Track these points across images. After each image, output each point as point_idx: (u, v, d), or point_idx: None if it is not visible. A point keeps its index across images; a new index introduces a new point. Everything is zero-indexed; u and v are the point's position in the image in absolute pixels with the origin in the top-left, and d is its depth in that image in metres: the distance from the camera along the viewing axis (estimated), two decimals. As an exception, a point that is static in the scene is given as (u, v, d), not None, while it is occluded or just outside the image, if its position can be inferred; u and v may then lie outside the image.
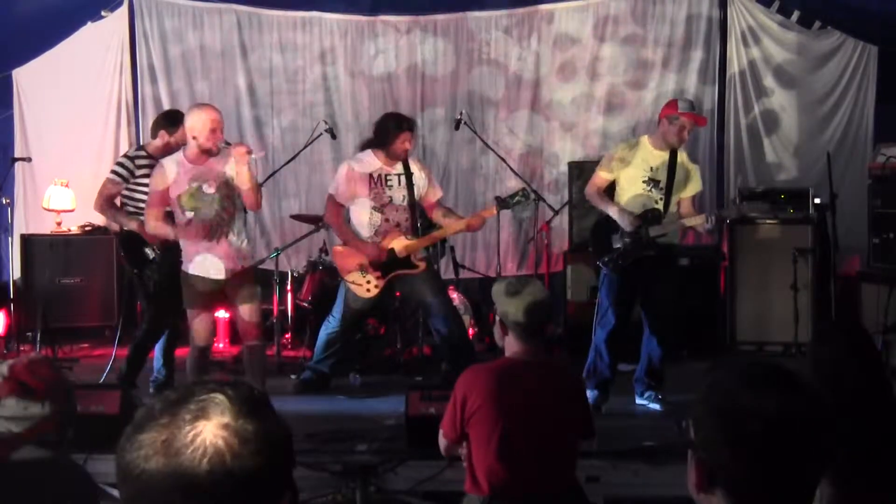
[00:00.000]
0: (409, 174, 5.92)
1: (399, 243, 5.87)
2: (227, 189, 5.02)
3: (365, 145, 6.07)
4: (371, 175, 5.85)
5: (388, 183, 5.88)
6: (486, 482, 3.13)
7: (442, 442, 3.31)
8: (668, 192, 5.43)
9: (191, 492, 1.16)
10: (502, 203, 5.95)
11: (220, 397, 1.22)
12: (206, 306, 5.17)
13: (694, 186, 5.57)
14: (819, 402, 1.49)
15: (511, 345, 3.27)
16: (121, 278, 7.88)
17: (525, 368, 3.22)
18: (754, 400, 1.45)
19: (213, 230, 5.03)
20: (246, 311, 5.15)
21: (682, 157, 5.51)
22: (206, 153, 4.98)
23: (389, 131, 5.85)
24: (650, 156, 5.46)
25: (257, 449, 1.20)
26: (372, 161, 5.89)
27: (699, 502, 1.52)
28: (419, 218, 5.99)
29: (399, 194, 5.90)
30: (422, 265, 5.92)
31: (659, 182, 5.43)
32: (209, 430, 1.18)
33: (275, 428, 1.24)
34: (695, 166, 5.64)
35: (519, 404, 3.13)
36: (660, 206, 5.42)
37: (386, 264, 5.86)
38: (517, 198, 5.91)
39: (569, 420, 3.23)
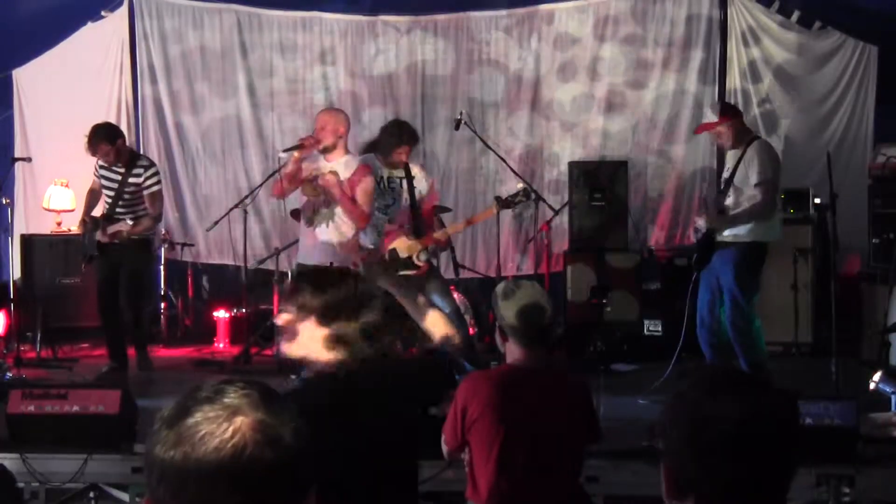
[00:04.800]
0: (409, 177, 5.96)
1: (401, 244, 5.89)
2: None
3: (368, 148, 6.10)
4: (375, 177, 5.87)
5: (391, 185, 5.92)
6: (486, 490, 3.10)
7: (444, 448, 3.29)
8: (726, 187, 5.74)
9: (233, 484, 1.20)
10: (503, 203, 6.08)
11: (251, 394, 1.27)
12: None
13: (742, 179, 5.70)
14: (782, 406, 1.50)
15: (512, 351, 3.20)
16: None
17: (526, 376, 3.16)
18: (716, 406, 1.46)
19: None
20: None
21: (750, 151, 5.68)
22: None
23: (389, 143, 5.92)
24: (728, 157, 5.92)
25: (290, 443, 1.25)
26: (375, 164, 5.91)
27: None
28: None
29: (401, 196, 5.94)
30: (424, 266, 5.93)
31: (727, 179, 5.77)
32: (246, 425, 1.22)
33: (300, 424, 1.29)
34: (762, 163, 5.66)
35: (519, 413, 3.07)
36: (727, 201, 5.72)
37: (388, 265, 5.87)
38: (518, 197, 6.00)
39: (572, 428, 3.16)
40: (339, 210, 5.49)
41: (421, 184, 6.03)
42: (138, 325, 6.72)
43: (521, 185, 6.36)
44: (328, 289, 2.49)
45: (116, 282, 6.46)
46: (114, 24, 8.47)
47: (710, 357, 5.85)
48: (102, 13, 8.40)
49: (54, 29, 8.21)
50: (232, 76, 8.55)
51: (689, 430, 1.48)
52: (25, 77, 8.43)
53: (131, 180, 6.38)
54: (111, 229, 6.30)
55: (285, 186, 5.59)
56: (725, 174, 5.84)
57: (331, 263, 5.45)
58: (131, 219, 6.27)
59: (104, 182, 6.47)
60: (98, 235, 6.38)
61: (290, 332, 2.53)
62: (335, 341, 2.47)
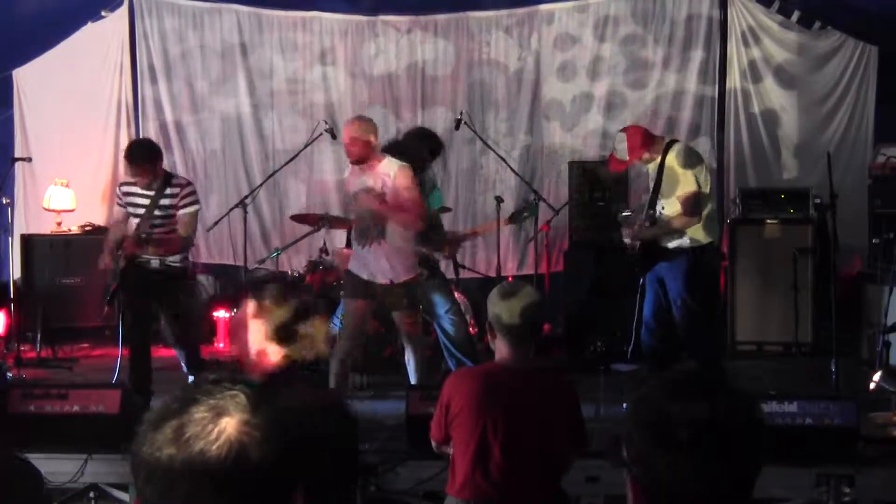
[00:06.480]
0: (420, 183, 5.90)
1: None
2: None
3: (387, 149, 5.99)
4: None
5: None
6: (464, 486, 3.12)
7: (432, 442, 3.32)
8: (652, 201, 5.55)
9: (220, 485, 1.21)
10: (512, 218, 6.24)
11: (238, 394, 1.26)
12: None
13: (666, 192, 5.50)
14: (746, 405, 1.49)
15: (500, 349, 3.22)
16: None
17: (510, 375, 3.18)
18: (681, 408, 1.45)
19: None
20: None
21: (669, 159, 5.47)
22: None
23: (422, 153, 5.80)
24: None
25: (277, 443, 1.24)
26: None
27: None
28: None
29: None
30: (424, 272, 5.91)
31: (652, 193, 5.56)
32: (232, 426, 1.22)
33: (288, 423, 1.29)
34: (683, 170, 5.43)
35: (499, 411, 3.09)
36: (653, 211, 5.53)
37: None
38: (525, 213, 6.09)
39: (553, 430, 3.16)
40: (390, 230, 5.29)
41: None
42: (193, 363, 5.98)
43: (529, 199, 6.43)
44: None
45: (146, 315, 5.81)
46: (114, 24, 8.47)
47: (650, 361, 5.67)
48: (102, 13, 8.40)
49: (54, 29, 8.21)
50: (232, 76, 8.56)
51: (652, 434, 1.46)
52: (25, 77, 8.43)
53: (164, 202, 5.65)
54: (130, 242, 5.57)
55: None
56: (650, 184, 5.61)
57: (391, 282, 5.29)
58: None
59: (131, 206, 5.71)
60: (121, 262, 5.61)
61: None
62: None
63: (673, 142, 5.66)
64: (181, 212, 5.68)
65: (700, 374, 1.56)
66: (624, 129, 5.73)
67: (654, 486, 1.47)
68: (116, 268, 5.63)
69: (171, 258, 5.73)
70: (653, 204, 5.53)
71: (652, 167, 5.58)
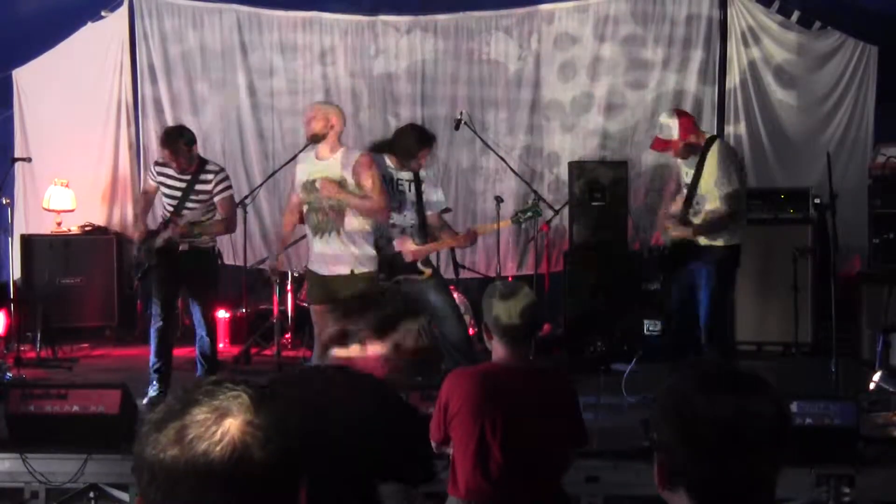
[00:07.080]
0: (418, 181, 5.90)
1: (407, 248, 5.85)
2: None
3: (378, 147, 6.00)
4: (383, 178, 5.80)
5: (400, 188, 5.86)
6: (465, 486, 3.12)
7: (432, 442, 3.31)
8: (689, 196, 5.52)
9: (224, 486, 1.21)
10: (515, 218, 6.19)
11: (240, 395, 1.26)
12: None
13: (707, 187, 5.47)
14: (772, 403, 1.51)
15: (497, 350, 3.21)
16: (121, 278, 7.90)
17: (508, 374, 3.17)
18: (708, 403, 1.48)
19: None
20: None
21: (712, 155, 5.44)
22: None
23: (413, 145, 5.79)
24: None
25: (280, 443, 1.24)
26: (385, 164, 5.86)
27: (665, 500, 1.55)
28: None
29: (408, 200, 5.89)
30: (427, 272, 5.90)
31: (689, 187, 5.53)
32: (235, 427, 1.22)
33: (291, 422, 1.29)
34: (727, 168, 5.39)
35: (498, 411, 3.08)
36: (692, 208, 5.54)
37: (392, 268, 5.84)
38: (528, 213, 6.09)
39: (553, 429, 3.15)
40: (348, 219, 5.25)
41: (428, 189, 5.98)
42: (212, 356, 5.95)
43: (532, 200, 6.43)
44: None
45: (177, 297, 5.86)
46: (114, 24, 8.47)
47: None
48: (102, 13, 8.40)
49: (54, 29, 8.21)
50: (232, 76, 8.56)
51: (678, 425, 1.49)
52: (25, 77, 8.43)
53: (199, 187, 5.72)
54: (182, 221, 5.61)
55: (294, 219, 5.56)
56: (685, 178, 5.54)
57: (351, 272, 5.23)
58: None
59: (165, 188, 5.77)
60: (158, 241, 5.70)
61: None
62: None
63: (715, 137, 5.63)
64: (218, 197, 5.77)
65: (728, 369, 1.58)
66: (674, 111, 5.76)
67: (677, 473, 1.51)
68: (152, 246, 5.72)
69: (200, 239, 5.78)
70: (690, 200, 5.48)
71: (689, 162, 5.52)
